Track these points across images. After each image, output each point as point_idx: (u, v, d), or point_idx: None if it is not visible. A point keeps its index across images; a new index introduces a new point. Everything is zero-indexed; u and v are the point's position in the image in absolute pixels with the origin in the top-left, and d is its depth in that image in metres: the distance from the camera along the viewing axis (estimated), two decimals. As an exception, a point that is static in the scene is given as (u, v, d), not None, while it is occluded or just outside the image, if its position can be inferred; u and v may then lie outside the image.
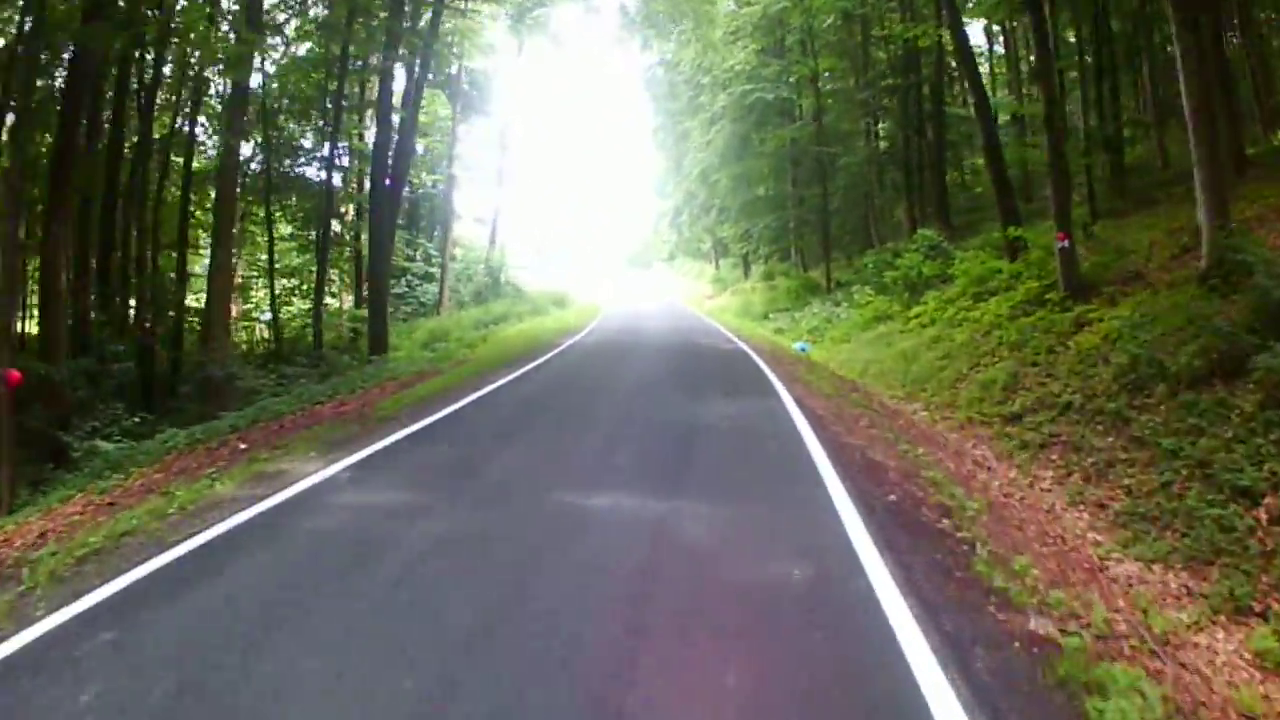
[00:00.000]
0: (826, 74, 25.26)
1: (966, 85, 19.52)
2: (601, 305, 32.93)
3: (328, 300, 22.24)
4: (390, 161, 16.31)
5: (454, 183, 26.42)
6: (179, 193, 16.67)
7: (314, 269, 18.71)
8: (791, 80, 24.80)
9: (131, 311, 14.40)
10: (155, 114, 15.38)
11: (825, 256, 24.55)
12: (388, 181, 16.29)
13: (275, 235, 21.89)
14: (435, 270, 27.82)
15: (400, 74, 18.17)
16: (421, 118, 27.90)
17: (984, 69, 30.29)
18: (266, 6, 15.30)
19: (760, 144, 24.91)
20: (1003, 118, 22.11)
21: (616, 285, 50.94)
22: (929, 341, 13.49)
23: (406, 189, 29.57)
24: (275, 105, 18.17)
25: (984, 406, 9.84)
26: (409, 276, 27.74)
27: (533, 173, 63.95)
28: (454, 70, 25.99)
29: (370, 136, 20.59)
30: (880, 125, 27.69)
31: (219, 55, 12.20)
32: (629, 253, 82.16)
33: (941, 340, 13.10)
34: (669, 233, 50.91)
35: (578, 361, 13.71)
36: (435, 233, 30.56)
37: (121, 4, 11.10)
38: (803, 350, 17.89)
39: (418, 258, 28.91)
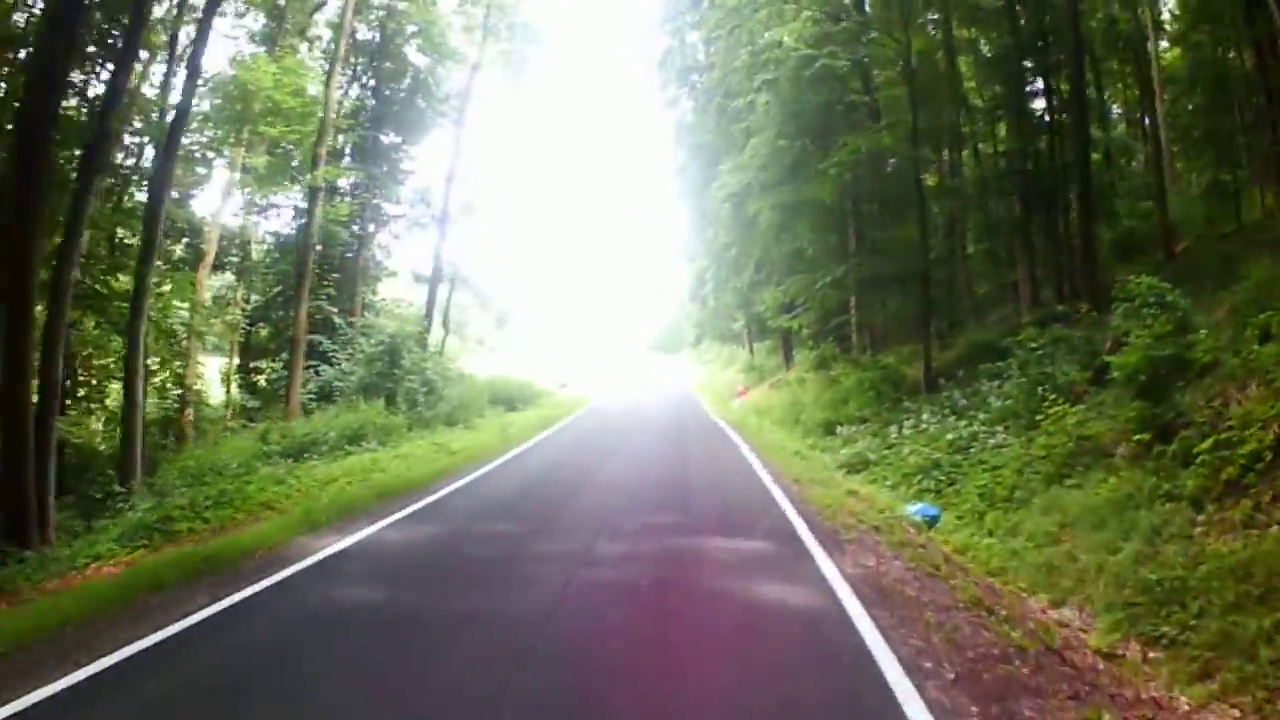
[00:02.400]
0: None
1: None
2: (579, 408, 23.78)
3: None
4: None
5: (317, 200, 17.59)
6: None
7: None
8: (871, 49, 15.95)
9: None
10: None
11: (925, 332, 15.00)
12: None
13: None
14: (363, 339, 18.75)
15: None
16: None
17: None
18: None
19: (823, 159, 15.81)
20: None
21: (624, 375, 43.30)
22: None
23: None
24: None
25: None
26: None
27: (508, 221, 49.85)
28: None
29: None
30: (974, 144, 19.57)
31: None
32: (655, 337, 73.90)
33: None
34: (693, 308, 41.88)
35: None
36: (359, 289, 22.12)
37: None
38: (927, 519, 8.15)
39: (341, 324, 19.96)
